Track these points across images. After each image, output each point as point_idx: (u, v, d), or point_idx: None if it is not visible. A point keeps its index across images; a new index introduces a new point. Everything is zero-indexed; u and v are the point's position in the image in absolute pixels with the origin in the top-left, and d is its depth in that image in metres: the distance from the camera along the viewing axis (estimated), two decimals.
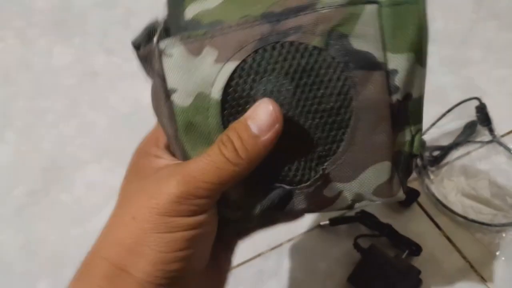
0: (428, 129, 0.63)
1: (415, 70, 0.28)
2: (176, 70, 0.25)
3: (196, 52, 0.24)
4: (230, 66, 0.24)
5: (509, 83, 0.73)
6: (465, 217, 0.56)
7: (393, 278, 0.49)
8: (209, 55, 0.24)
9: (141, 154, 0.29)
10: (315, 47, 0.24)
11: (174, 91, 0.25)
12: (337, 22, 0.24)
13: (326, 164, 0.27)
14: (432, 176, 0.60)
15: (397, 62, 0.26)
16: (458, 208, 0.57)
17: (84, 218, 0.55)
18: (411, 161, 0.30)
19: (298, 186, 0.27)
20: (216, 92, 0.25)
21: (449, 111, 0.64)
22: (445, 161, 0.62)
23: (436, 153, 0.62)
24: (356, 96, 0.25)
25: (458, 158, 0.63)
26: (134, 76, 0.73)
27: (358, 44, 0.25)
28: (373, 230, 0.54)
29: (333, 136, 0.26)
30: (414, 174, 0.61)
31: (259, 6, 0.24)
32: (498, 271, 0.52)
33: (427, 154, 0.62)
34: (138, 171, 0.28)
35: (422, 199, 0.58)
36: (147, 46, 0.26)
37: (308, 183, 0.27)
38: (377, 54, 0.25)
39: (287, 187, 0.27)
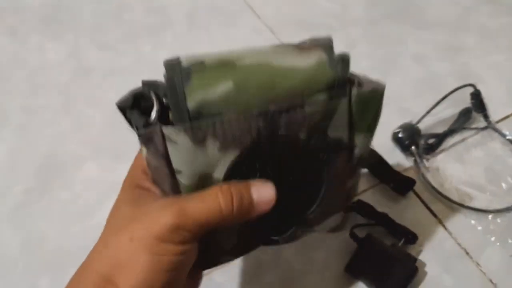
0: (423, 116, 0.63)
1: (369, 142, 0.35)
2: (181, 155, 0.28)
3: (200, 142, 0.28)
4: (232, 154, 0.29)
5: (504, 69, 0.73)
6: (460, 204, 0.57)
7: (389, 266, 0.50)
8: (212, 144, 0.28)
9: (134, 186, 0.33)
10: (300, 140, 0.30)
11: (179, 172, 0.29)
12: (318, 119, 0.30)
13: (300, 223, 0.35)
14: (427, 164, 0.61)
15: (359, 140, 0.33)
16: (453, 195, 0.58)
17: (83, 214, 0.56)
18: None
19: (281, 236, 0.36)
20: (219, 173, 0.29)
21: (443, 98, 0.64)
22: (440, 148, 0.63)
23: (431, 141, 0.62)
24: (328, 171, 0.33)
25: (454, 145, 0.63)
26: (127, 71, 0.73)
27: (333, 133, 0.31)
28: (369, 219, 0.54)
29: (308, 201, 0.34)
30: (409, 163, 0.61)
31: (257, 100, 0.28)
32: (493, 257, 0.53)
33: (422, 142, 0.62)
34: (134, 201, 0.32)
35: (418, 187, 0.58)
36: (148, 127, 0.28)
37: (287, 234, 0.36)
38: (345, 137, 0.32)
39: (275, 238, 0.36)
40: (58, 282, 0.50)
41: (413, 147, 0.61)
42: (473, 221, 0.56)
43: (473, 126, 0.65)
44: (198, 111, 0.27)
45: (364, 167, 0.40)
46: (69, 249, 0.53)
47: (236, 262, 0.52)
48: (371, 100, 0.32)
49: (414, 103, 0.68)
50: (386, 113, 0.66)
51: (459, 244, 0.54)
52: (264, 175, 0.31)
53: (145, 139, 0.28)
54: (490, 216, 0.56)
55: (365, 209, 0.55)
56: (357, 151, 0.33)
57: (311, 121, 0.30)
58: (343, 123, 0.31)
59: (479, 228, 0.55)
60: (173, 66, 0.27)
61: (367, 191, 0.58)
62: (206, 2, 0.82)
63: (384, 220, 0.54)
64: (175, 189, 0.30)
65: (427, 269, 0.52)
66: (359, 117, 0.32)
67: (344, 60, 0.31)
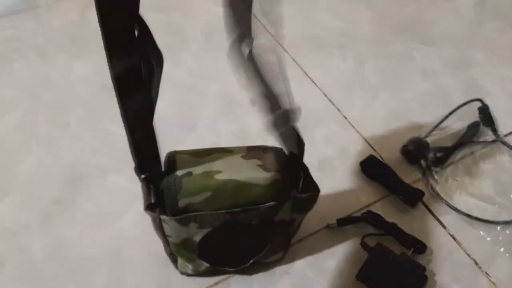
0: (431, 130, 0.66)
1: (304, 216, 0.53)
2: (171, 229, 0.46)
3: (184, 224, 0.45)
4: (206, 230, 0.46)
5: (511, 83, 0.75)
6: (469, 215, 0.58)
7: (399, 275, 0.51)
8: (193, 225, 0.45)
9: None
10: (253, 226, 0.46)
11: (169, 236, 0.47)
12: (268, 213, 0.46)
13: (254, 258, 0.51)
14: (436, 177, 0.62)
15: (298, 217, 0.51)
16: (462, 207, 0.59)
17: (107, 223, 0.59)
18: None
19: (238, 268, 0.52)
20: (197, 238, 0.46)
21: (451, 112, 0.66)
22: (449, 161, 0.64)
23: (440, 154, 0.64)
24: (271, 235, 0.49)
25: (462, 158, 0.65)
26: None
27: (278, 217, 0.47)
28: (380, 229, 0.56)
29: (259, 250, 0.51)
30: (418, 175, 0.63)
31: (226, 203, 0.44)
32: (503, 268, 0.54)
33: (431, 155, 0.64)
34: None
35: (427, 198, 0.60)
36: (150, 210, 0.45)
37: (241, 267, 0.52)
38: (287, 218, 0.48)
39: (231, 269, 0.53)
40: (84, 286, 0.53)
41: (421, 160, 0.63)
42: (482, 232, 0.57)
43: (482, 139, 0.67)
44: (185, 208, 0.43)
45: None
46: (94, 256, 0.56)
47: (251, 269, 0.54)
48: (308, 199, 0.49)
49: (422, 118, 0.70)
50: (395, 128, 0.69)
51: (468, 255, 0.55)
52: (228, 240, 0.48)
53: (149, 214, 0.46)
54: (499, 227, 0.58)
55: (375, 219, 0.57)
56: (295, 222, 0.51)
57: (262, 215, 0.45)
58: (286, 212, 0.47)
59: (488, 239, 0.57)
60: (169, 178, 0.43)
61: (377, 202, 0.60)
62: (222, 23, 0.86)
63: (393, 230, 0.56)
64: (167, 243, 0.49)
65: (436, 278, 0.53)
66: (298, 207, 0.48)
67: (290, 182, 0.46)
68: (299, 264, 0.55)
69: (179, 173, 0.43)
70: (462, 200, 0.60)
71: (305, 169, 0.48)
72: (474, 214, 0.58)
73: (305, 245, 0.56)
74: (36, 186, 0.63)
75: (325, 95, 0.74)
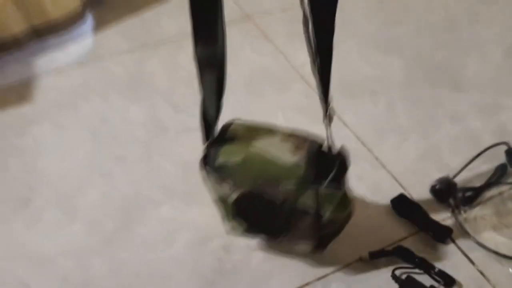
0: (460, 171, 0.69)
1: (338, 215, 0.54)
2: (211, 184, 0.55)
3: (219, 183, 0.53)
4: (236, 193, 0.53)
5: None
6: (497, 253, 0.61)
7: None
8: (226, 186, 0.53)
9: None
10: (275, 204, 0.51)
11: (211, 191, 0.56)
12: (289, 196, 0.50)
13: (281, 237, 0.57)
14: (465, 215, 0.66)
15: (326, 214, 0.52)
16: (491, 244, 0.62)
17: (159, 249, 0.66)
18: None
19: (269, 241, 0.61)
20: (230, 200, 0.54)
21: (479, 155, 0.70)
22: (477, 201, 0.68)
23: (468, 193, 0.68)
24: (294, 223, 0.54)
25: (490, 198, 0.68)
26: (196, 130, 0.86)
27: (300, 206, 0.51)
28: (409, 263, 0.60)
29: (281, 231, 0.57)
30: (447, 213, 0.66)
31: (254, 172, 0.50)
32: None
33: (460, 194, 0.68)
34: None
35: (455, 235, 0.63)
36: (201, 163, 0.54)
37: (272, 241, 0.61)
38: (312, 210, 0.51)
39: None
40: None
41: (450, 199, 0.67)
42: (510, 269, 0.60)
43: (509, 180, 0.70)
44: (221, 167, 0.52)
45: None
46: (146, 276, 0.63)
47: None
48: (333, 195, 0.51)
49: (451, 159, 0.74)
50: (425, 168, 0.73)
51: None
52: (254, 209, 0.54)
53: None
54: None
55: (405, 253, 0.61)
56: (324, 219, 0.53)
57: (283, 196, 0.50)
58: (309, 203, 0.51)
59: None
60: (217, 139, 0.53)
61: (407, 238, 0.64)
62: (261, 72, 0.96)
63: (423, 264, 0.59)
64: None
65: None
66: (325, 201, 0.51)
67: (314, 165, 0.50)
68: None
69: (227, 137, 0.53)
70: (490, 238, 0.63)
71: (343, 166, 0.51)
72: (502, 252, 0.61)
73: (338, 276, 0.61)
74: (98, 214, 0.72)
75: (357, 137, 0.80)
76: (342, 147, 0.52)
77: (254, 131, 0.53)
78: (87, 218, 0.71)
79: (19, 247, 0.67)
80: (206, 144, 0.54)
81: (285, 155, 0.50)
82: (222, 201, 0.55)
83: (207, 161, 0.53)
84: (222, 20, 0.45)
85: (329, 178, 0.50)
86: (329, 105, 0.50)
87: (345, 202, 0.53)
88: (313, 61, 0.48)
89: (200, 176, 0.55)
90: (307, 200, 0.50)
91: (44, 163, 0.80)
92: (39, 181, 0.77)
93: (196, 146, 0.80)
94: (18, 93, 0.95)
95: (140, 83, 0.96)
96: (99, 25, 1.12)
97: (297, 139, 0.51)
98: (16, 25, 1.01)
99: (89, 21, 1.14)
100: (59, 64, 1.02)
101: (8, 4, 0.97)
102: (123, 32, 1.10)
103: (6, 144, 0.84)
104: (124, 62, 1.01)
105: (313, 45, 0.46)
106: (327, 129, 0.51)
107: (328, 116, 0.50)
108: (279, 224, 0.55)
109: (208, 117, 0.52)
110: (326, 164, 0.50)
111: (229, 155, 0.51)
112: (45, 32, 1.06)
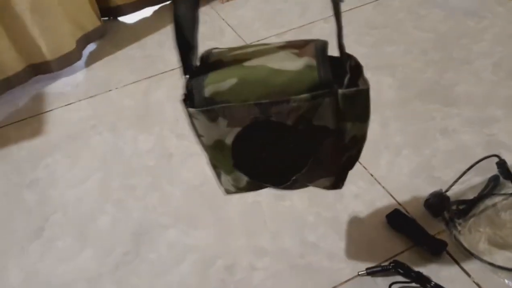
0: (452, 185, 0.72)
1: (361, 127, 0.43)
2: (201, 126, 0.42)
3: (213, 119, 0.41)
4: (236, 129, 0.41)
5: None
6: (493, 264, 0.63)
7: None
8: (222, 122, 0.41)
9: None
10: (287, 127, 0.40)
11: (201, 135, 0.44)
12: (303, 111, 0.39)
13: (296, 175, 0.45)
14: (459, 228, 0.68)
15: (348, 126, 0.42)
16: (486, 256, 0.64)
17: (166, 271, 0.69)
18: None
19: (279, 186, 0.47)
20: (229, 140, 0.42)
21: (470, 168, 0.72)
22: (471, 213, 0.70)
23: (462, 206, 0.70)
24: (315, 149, 0.42)
25: (484, 210, 0.70)
26: (200, 155, 0.90)
27: (317, 122, 0.40)
28: (406, 277, 0.62)
29: (297, 167, 0.44)
30: (442, 226, 0.69)
31: (254, 93, 0.39)
32: None
33: (454, 207, 0.70)
34: None
35: (451, 248, 0.65)
36: (184, 106, 0.42)
37: (287, 184, 0.46)
38: (331, 125, 0.41)
39: (272, 187, 0.48)
40: None
41: (444, 212, 0.69)
42: (506, 280, 0.61)
43: (502, 192, 0.72)
44: (212, 98, 0.40)
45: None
46: None
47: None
48: (356, 97, 0.40)
49: (444, 173, 0.76)
50: (418, 183, 0.76)
51: None
52: (260, 145, 0.42)
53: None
54: None
55: (401, 268, 0.63)
56: (347, 134, 0.42)
57: (297, 113, 0.39)
58: (328, 115, 0.40)
59: None
60: (199, 67, 0.41)
61: (404, 253, 0.66)
62: None
63: (419, 278, 0.61)
64: (203, 145, 0.45)
65: None
66: (346, 109, 0.40)
67: (328, 63, 0.39)
68: None
69: (209, 61, 0.42)
70: (485, 250, 0.65)
71: (357, 66, 0.41)
72: (498, 263, 0.63)
73: None
74: (109, 240, 0.76)
75: None
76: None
77: (241, 51, 0.42)
78: (99, 244, 0.75)
79: (33, 275, 0.72)
80: (186, 77, 0.42)
81: (290, 60, 0.39)
82: (218, 146, 0.43)
83: (191, 97, 0.41)
84: None
85: (346, 80, 0.40)
86: None
87: (367, 110, 0.42)
88: None
89: (190, 129, 0.46)
90: (325, 111, 0.39)
91: (57, 193, 0.85)
92: (52, 210, 0.82)
93: (199, 170, 0.85)
94: (31, 127, 1.01)
95: (147, 113, 1.01)
96: (103, 57, 1.19)
97: (298, 43, 0.42)
98: (17, 65, 1.07)
99: (88, 56, 1.20)
100: (69, 98, 1.08)
101: (5, 45, 1.04)
102: (128, 63, 1.16)
103: (21, 178, 0.89)
104: (131, 93, 1.07)
105: None
106: (337, 20, 0.40)
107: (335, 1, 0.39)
108: (294, 157, 0.43)
109: (185, 37, 0.40)
110: (338, 66, 0.40)
111: (219, 82, 0.40)
112: (45, 69, 1.13)
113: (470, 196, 0.71)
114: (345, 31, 1.12)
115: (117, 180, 0.87)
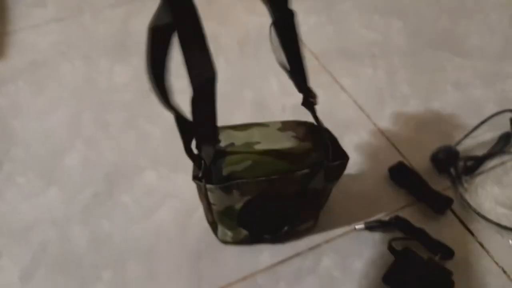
0: (462, 139, 0.66)
1: (334, 184, 0.55)
2: (215, 197, 0.50)
3: (228, 192, 0.49)
4: (247, 197, 0.50)
5: None
6: (498, 224, 0.58)
7: (426, 279, 0.52)
8: (235, 193, 0.49)
9: None
10: (288, 194, 0.51)
11: (214, 204, 0.51)
12: (303, 182, 0.50)
13: (287, 226, 0.56)
14: (466, 185, 0.63)
15: (328, 185, 0.54)
16: (491, 216, 0.59)
17: (142, 217, 0.62)
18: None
19: (274, 235, 0.57)
20: (238, 206, 0.51)
21: (483, 122, 0.66)
22: (479, 170, 0.64)
23: (470, 163, 0.65)
24: (303, 204, 0.54)
25: (493, 168, 0.65)
26: (183, 92, 0.81)
27: (311, 186, 0.51)
28: (407, 234, 0.57)
29: (292, 216, 0.56)
30: (448, 183, 0.63)
31: (266, 170, 0.48)
32: None
33: (461, 163, 0.64)
34: None
35: (455, 206, 0.60)
36: (198, 180, 0.49)
37: (279, 233, 0.57)
38: (320, 187, 0.53)
39: (267, 237, 0.58)
40: (120, 275, 0.56)
41: (451, 168, 0.63)
42: (511, 241, 0.57)
43: None
44: (229, 176, 0.48)
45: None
46: (129, 247, 0.59)
47: (278, 267, 0.56)
48: (338, 167, 0.52)
49: (452, 127, 0.70)
50: (425, 136, 0.69)
51: (496, 263, 0.55)
52: (265, 207, 0.52)
53: (197, 185, 0.51)
54: None
55: (402, 224, 0.58)
56: (328, 189, 0.55)
57: (297, 183, 0.49)
58: (320, 180, 0.51)
59: None
60: (216, 151, 0.46)
61: (405, 208, 0.61)
62: (256, 32, 0.90)
63: (421, 235, 0.56)
64: (210, 211, 0.53)
65: (463, 285, 0.53)
66: (330, 174, 0.52)
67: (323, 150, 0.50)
68: (326, 264, 0.56)
69: (222, 144, 0.49)
70: (491, 209, 0.60)
71: (334, 139, 0.52)
72: (503, 223, 0.58)
73: (332, 246, 0.58)
74: (78, 179, 0.67)
75: (356, 103, 0.75)
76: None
77: (245, 130, 0.51)
78: (66, 184, 0.67)
79: None
80: (207, 162, 0.47)
81: (293, 143, 0.49)
82: (228, 210, 0.52)
83: (207, 179, 0.48)
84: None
85: (330, 154, 0.51)
86: (311, 91, 0.48)
87: (344, 166, 0.53)
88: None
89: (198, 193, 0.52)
90: (318, 179, 0.51)
91: (19, 124, 0.75)
92: (13, 142, 0.72)
93: (184, 109, 0.76)
94: None
95: (125, 42, 0.90)
96: None
97: (292, 125, 0.51)
98: None
99: None
100: (35, 19, 0.94)
101: None
102: None
103: None
104: (107, 19, 0.94)
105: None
106: (312, 112, 0.50)
107: (309, 102, 0.49)
108: (289, 213, 0.55)
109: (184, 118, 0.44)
110: (323, 140, 0.51)
111: (235, 163, 0.48)
112: None
113: (479, 153, 0.66)
114: None
115: (89, 114, 0.77)
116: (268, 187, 0.49)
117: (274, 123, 0.52)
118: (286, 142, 0.49)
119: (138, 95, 0.79)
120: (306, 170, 0.49)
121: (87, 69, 0.85)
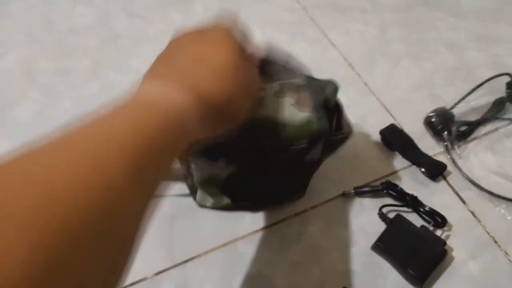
0: (457, 102, 0.62)
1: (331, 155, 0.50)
2: (197, 166, 0.45)
3: (213, 160, 0.42)
4: (232, 167, 0.44)
5: None
6: (491, 192, 0.56)
7: (418, 247, 0.49)
8: (221, 162, 0.43)
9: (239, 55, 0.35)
10: (281, 166, 0.45)
11: (195, 170, 0.45)
12: (299, 155, 0.44)
13: (278, 198, 0.52)
14: (459, 151, 0.59)
15: (325, 157, 0.49)
16: (484, 184, 0.56)
17: None
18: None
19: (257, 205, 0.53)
20: (223, 176, 0.45)
21: (479, 86, 0.63)
22: (472, 136, 0.61)
23: (463, 128, 0.61)
24: (296, 177, 0.50)
25: (486, 134, 0.62)
26: (157, 39, 0.72)
27: (307, 158, 0.45)
28: (398, 200, 0.54)
29: (282, 187, 0.51)
30: (440, 148, 0.60)
31: (258, 141, 0.41)
32: None
33: (454, 128, 0.61)
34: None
35: (448, 173, 0.57)
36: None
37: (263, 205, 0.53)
38: (316, 158, 0.47)
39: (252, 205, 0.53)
40: None
41: (445, 133, 0.60)
42: (502, 210, 0.55)
43: (506, 116, 0.64)
44: (214, 145, 0.41)
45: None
46: None
47: (260, 233, 0.51)
48: (339, 142, 0.48)
49: (445, 91, 0.66)
50: (418, 98, 0.65)
51: (487, 232, 0.53)
52: (253, 179, 0.47)
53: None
54: None
55: (394, 190, 0.54)
56: (323, 161, 0.50)
57: (293, 157, 0.43)
58: (317, 153, 0.46)
59: (509, 217, 0.54)
60: None
61: (397, 173, 0.57)
62: None
63: (413, 202, 0.53)
64: (191, 177, 0.48)
65: (454, 254, 0.51)
66: (328, 148, 0.47)
67: (324, 119, 0.43)
68: (312, 232, 0.52)
69: None
70: (484, 177, 0.57)
71: (339, 108, 0.46)
72: (496, 192, 0.56)
73: (319, 212, 0.53)
74: (33, 132, 0.58)
75: (345, 59, 0.70)
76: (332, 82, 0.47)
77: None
78: (19, 136, 0.58)
79: None
80: None
81: (291, 114, 0.42)
82: (208, 180, 0.46)
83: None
84: None
85: (334, 124, 0.45)
86: None
87: (346, 139, 0.48)
88: None
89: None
90: (315, 151, 0.45)
91: None
92: None
93: (153, 58, 0.67)
94: None
95: None
96: None
97: (291, 87, 0.44)
98: None
99: None
100: None
101: None
102: None
103: None
104: None
105: None
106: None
107: None
108: (279, 185, 0.49)
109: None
110: (326, 108, 0.44)
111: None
112: None
113: (473, 118, 0.62)
114: None
115: (46, 60, 0.67)
116: (258, 159, 0.43)
117: (271, 85, 0.44)
118: (285, 111, 0.42)
119: (102, 42, 0.70)
120: (303, 145, 0.42)
121: (44, 8, 0.74)
